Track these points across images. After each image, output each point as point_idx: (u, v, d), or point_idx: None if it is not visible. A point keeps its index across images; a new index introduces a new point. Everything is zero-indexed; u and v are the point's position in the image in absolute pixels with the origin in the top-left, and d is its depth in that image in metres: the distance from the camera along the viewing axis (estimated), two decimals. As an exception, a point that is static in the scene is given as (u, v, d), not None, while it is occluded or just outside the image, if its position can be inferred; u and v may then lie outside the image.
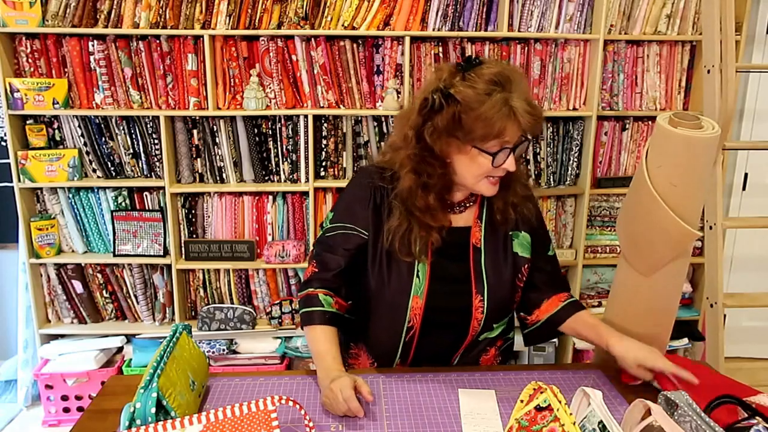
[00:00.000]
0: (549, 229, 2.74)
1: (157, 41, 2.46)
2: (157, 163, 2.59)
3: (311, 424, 1.05)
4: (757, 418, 1.06)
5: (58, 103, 2.46)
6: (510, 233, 1.40)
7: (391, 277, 1.35)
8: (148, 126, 2.56)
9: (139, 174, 2.63)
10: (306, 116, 2.54)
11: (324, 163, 2.62)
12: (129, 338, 2.68)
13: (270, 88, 2.52)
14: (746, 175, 2.93)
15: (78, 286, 2.65)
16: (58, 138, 2.58)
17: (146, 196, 2.63)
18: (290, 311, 2.66)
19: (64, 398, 2.56)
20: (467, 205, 1.40)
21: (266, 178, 2.65)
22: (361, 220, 1.37)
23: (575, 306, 1.42)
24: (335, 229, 1.39)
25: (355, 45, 2.51)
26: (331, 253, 1.38)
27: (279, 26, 2.45)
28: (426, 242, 1.33)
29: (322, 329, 1.32)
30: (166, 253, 2.64)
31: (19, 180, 2.51)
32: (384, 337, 1.40)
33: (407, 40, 2.46)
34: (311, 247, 1.55)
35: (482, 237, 1.38)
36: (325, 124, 2.58)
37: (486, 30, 2.52)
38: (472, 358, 1.43)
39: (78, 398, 2.57)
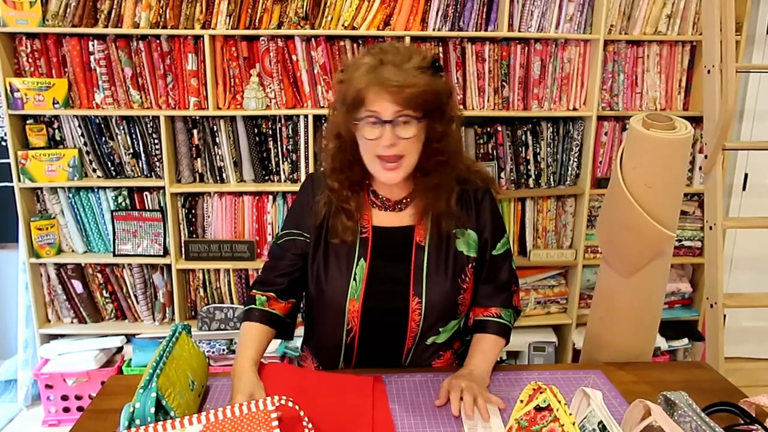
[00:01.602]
0: (549, 230, 2.75)
1: (157, 41, 2.46)
2: (157, 163, 2.59)
3: (310, 425, 1.05)
4: (755, 424, 1.06)
5: (58, 102, 2.46)
6: (453, 231, 1.36)
7: (329, 280, 1.34)
8: (148, 126, 2.56)
9: (139, 174, 2.63)
10: (306, 116, 2.54)
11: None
12: (129, 338, 2.68)
13: (270, 88, 2.52)
14: (746, 175, 2.93)
15: (78, 285, 2.65)
16: (58, 138, 2.58)
17: (146, 196, 2.63)
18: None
19: (64, 398, 2.56)
20: (406, 201, 1.38)
21: (266, 178, 2.65)
22: (305, 224, 1.39)
23: (483, 327, 1.40)
24: (283, 237, 1.41)
25: (355, 45, 2.51)
26: (279, 259, 1.40)
27: (279, 26, 2.45)
28: (350, 228, 1.34)
29: (246, 326, 1.34)
30: (166, 253, 2.64)
31: (19, 180, 2.51)
32: (326, 339, 1.40)
33: (407, 40, 2.46)
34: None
35: (426, 235, 1.36)
36: (325, 124, 2.58)
37: (486, 30, 2.52)
38: (423, 361, 1.40)
39: (78, 398, 2.57)
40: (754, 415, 1.09)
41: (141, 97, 2.52)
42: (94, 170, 2.60)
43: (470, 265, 1.37)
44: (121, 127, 2.56)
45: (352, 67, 1.25)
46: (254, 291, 1.39)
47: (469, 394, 1.18)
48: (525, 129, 2.65)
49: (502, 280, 1.42)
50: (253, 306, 1.37)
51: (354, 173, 1.35)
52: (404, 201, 1.38)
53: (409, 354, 1.38)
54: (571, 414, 0.92)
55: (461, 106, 2.57)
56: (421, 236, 1.36)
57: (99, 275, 2.67)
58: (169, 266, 2.65)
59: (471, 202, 1.39)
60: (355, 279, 1.33)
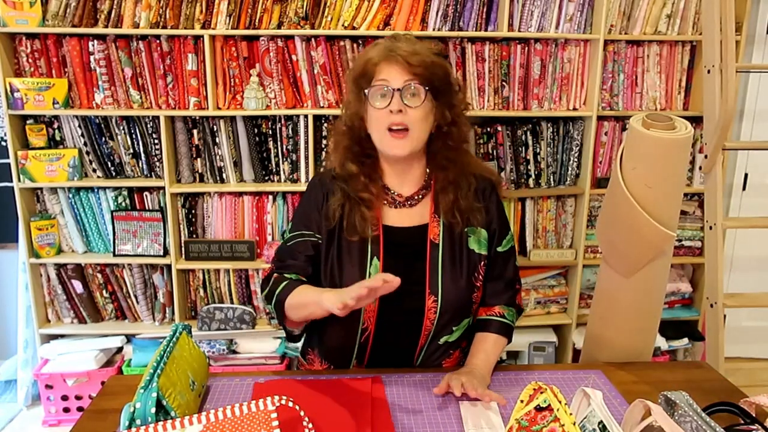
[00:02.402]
0: (549, 230, 2.75)
1: (157, 41, 2.46)
2: (157, 163, 2.59)
3: (310, 425, 1.05)
4: (755, 424, 1.06)
5: (58, 103, 2.46)
6: (465, 230, 1.38)
7: (344, 280, 1.34)
8: (148, 126, 2.56)
9: (139, 174, 2.63)
10: (306, 116, 2.54)
11: (324, 163, 2.61)
12: (129, 338, 2.68)
13: (270, 88, 2.52)
14: (746, 175, 2.93)
15: (78, 286, 2.65)
16: (58, 138, 2.58)
17: (146, 196, 2.63)
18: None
19: (64, 398, 2.56)
20: (418, 198, 1.39)
21: (266, 178, 2.65)
22: (315, 224, 1.39)
23: (485, 326, 1.41)
24: (294, 238, 1.40)
25: (355, 45, 2.51)
26: (292, 258, 1.38)
27: (279, 26, 2.45)
28: (369, 221, 1.34)
29: (300, 287, 1.29)
30: (166, 253, 2.64)
31: (19, 180, 2.51)
32: (339, 339, 1.39)
33: (407, 40, 2.46)
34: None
35: (440, 232, 1.37)
36: (325, 124, 2.58)
37: (486, 30, 2.52)
38: (433, 361, 1.41)
39: (78, 398, 2.56)
40: (754, 415, 1.09)
41: (141, 97, 2.52)
42: (94, 170, 2.60)
43: (482, 263, 1.38)
44: (121, 127, 2.56)
45: (368, 48, 1.36)
46: (277, 275, 1.36)
47: (470, 384, 1.20)
48: (525, 129, 2.65)
49: (509, 277, 1.44)
50: (287, 281, 1.31)
51: (371, 160, 1.38)
52: (416, 197, 1.39)
53: (421, 353, 1.39)
54: (571, 414, 0.92)
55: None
56: (434, 234, 1.36)
57: (99, 275, 2.67)
58: (169, 266, 2.65)
59: (480, 199, 1.41)
60: (370, 278, 1.33)
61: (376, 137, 1.34)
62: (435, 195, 1.38)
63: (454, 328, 1.38)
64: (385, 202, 1.39)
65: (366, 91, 1.31)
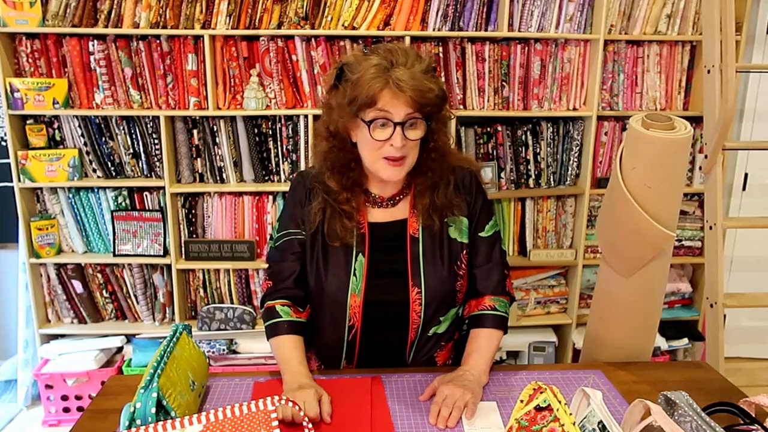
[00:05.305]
0: (549, 230, 2.75)
1: (157, 41, 2.46)
2: (157, 163, 2.59)
3: (310, 425, 1.05)
4: (755, 424, 1.06)
5: (58, 103, 2.46)
6: (445, 220, 1.38)
7: (328, 277, 1.35)
8: (148, 126, 2.56)
9: (139, 174, 2.63)
10: (306, 116, 2.54)
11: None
12: (129, 338, 2.68)
13: (270, 88, 2.52)
14: (746, 175, 2.93)
15: (78, 286, 2.65)
16: (58, 138, 2.58)
17: (146, 196, 2.63)
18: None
19: (64, 398, 2.56)
20: (399, 198, 1.39)
21: (266, 178, 2.65)
22: (300, 222, 1.39)
23: (478, 322, 1.40)
24: (281, 238, 1.40)
25: (355, 45, 2.51)
26: (282, 261, 1.39)
27: (279, 26, 2.45)
28: (350, 229, 1.34)
29: (286, 338, 1.33)
30: (166, 253, 2.64)
31: (19, 180, 2.51)
32: (328, 337, 1.40)
33: (407, 40, 2.46)
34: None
35: (419, 227, 1.37)
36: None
37: (486, 30, 2.52)
38: (425, 354, 1.41)
39: (78, 398, 2.57)
40: (754, 415, 1.09)
41: (141, 97, 2.52)
42: (94, 170, 2.60)
43: (464, 252, 1.39)
44: (121, 127, 2.56)
45: (362, 67, 1.24)
46: (270, 302, 1.37)
47: (447, 407, 1.18)
48: (525, 129, 2.65)
49: (495, 262, 1.43)
50: (279, 319, 1.35)
51: (354, 173, 1.35)
52: (396, 198, 1.39)
53: (413, 348, 1.39)
54: (571, 414, 0.92)
55: (461, 106, 2.58)
56: (414, 228, 1.37)
57: (99, 275, 2.67)
58: (169, 266, 2.65)
59: (460, 188, 1.41)
60: (355, 275, 1.34)
61: (369, 160, 1.31)
62: (414, 195, 1.39)
63: (441, 319, 1.38)
64: (367, 203, 1.39)
65: (364, 118, 1.25)
